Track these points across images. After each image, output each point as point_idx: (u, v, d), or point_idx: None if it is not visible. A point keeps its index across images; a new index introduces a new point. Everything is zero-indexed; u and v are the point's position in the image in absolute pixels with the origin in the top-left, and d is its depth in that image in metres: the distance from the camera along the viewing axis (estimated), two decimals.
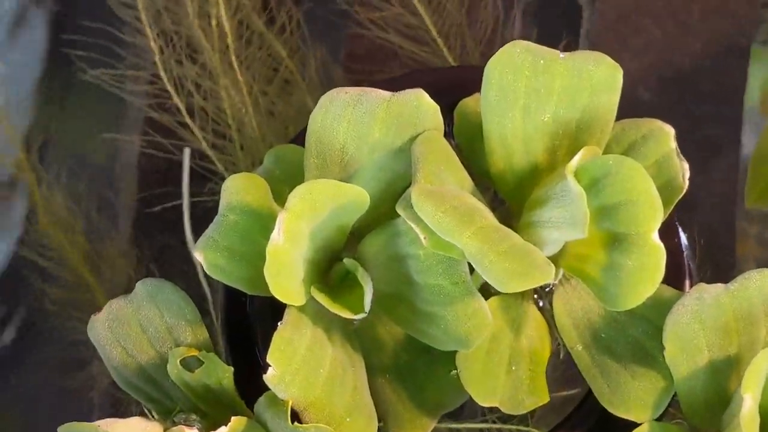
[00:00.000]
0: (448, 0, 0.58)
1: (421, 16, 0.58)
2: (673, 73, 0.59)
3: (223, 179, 0.55)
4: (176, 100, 0.56)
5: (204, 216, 0.56)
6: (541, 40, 0.56)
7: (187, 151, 0.57)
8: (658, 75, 0.59)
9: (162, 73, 0.56)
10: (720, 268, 0.45)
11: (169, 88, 0.57)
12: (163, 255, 0.58)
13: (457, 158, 0.42)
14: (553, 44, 0.55)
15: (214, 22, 0.57)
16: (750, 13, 0.59)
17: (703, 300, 0.40)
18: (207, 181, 0.57)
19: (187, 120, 0.56)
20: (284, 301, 0.41)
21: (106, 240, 0.60)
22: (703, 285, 0.41)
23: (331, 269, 0.43)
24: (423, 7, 0.58)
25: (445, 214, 0.38)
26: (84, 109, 0.62)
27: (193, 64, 0.57)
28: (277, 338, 0.40)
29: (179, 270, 0.48)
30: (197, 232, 0.55)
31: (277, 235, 0.39)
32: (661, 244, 0.39)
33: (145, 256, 0.59)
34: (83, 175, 0.62)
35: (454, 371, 0.43)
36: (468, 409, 0.51)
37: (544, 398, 0.42)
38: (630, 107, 0.44)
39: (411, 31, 0.58)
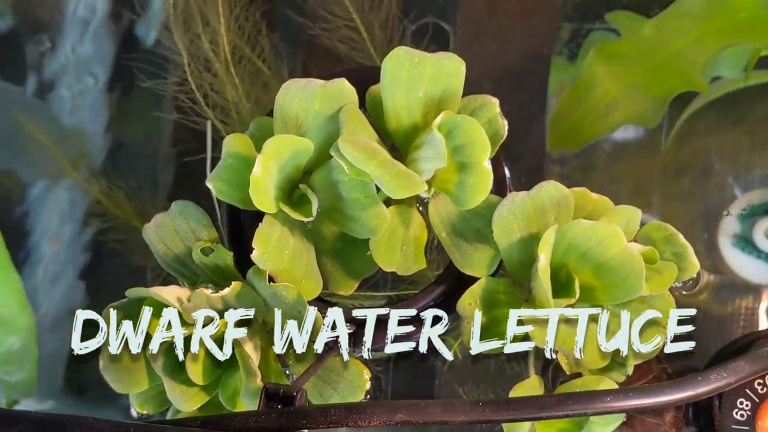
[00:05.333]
0: (376, 25, 0.59)
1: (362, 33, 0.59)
2: (504, 73, 0.60)
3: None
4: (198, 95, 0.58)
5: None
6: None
7: (209, 123, 0.58)
8: (495, 74, 0.60)
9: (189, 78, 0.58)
10: None
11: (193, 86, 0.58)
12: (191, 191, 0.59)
13: (367, 121, 0.45)
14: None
15: (220, 48, 0.59)
16: (549, 33, 0.61)
17: (515, 201, 0.43)
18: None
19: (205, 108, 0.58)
20: (263, 210, 0.43)
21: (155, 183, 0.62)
22: (515, 192, 0.43)
23: (293, 193, 0.45)
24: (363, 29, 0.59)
25: (358, 152, 0.41)
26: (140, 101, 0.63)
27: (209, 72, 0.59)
28: (258, 232, 0.43)
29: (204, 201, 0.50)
30: None
31: (256, 169, 0.42)
32: (490, 169, 0.42)
33: (180, 191, 0.61)
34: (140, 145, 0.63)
35: (369, 252, 0.45)
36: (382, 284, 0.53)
37: (423, 265, 0.45)
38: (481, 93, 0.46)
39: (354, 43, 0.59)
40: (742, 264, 0.57)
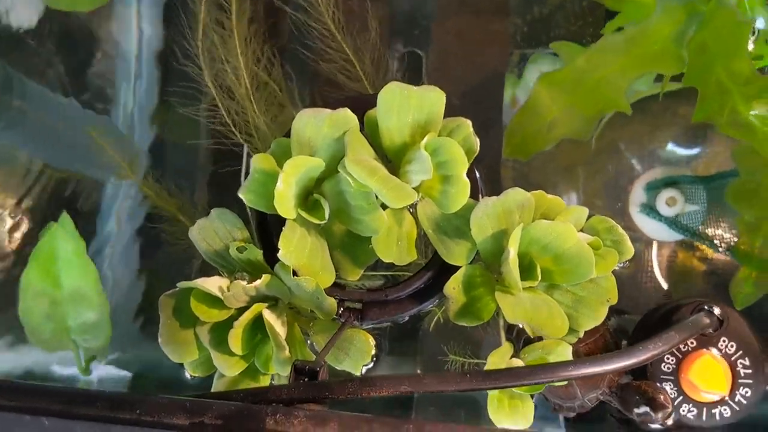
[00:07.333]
0: (366, 56, 0.55)
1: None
2: (468, 89, 0.56)
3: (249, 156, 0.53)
4: (226, 117, 0.53)
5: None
6: (405, 76, 0.54)
7: (246, 147, 0.53)
8: (460, 91, 0.56)
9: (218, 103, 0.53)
10: (495, 190, 0.44)
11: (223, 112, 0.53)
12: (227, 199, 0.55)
13: (366, 142, 0.40)
14: (411, 77, 0.54)
15: (242, 79, 0.54)
16: (503, 58, 0.57)
17: (487, 204, 0.39)
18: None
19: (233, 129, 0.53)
20: (285, 216, 0.39)
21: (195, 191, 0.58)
22: (487, 198, 0.40)
23: (308, 198, 0.42)
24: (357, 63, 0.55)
25: (361, 170, 0.37)
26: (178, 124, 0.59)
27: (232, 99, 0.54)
28: (283, 235, 0.39)
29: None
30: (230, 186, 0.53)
31: (279, 184, 0.38)
32: (467, 180, 0.38)
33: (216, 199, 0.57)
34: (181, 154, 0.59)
35: (371, 246, 0.41)
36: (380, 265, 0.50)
37: (414, 257, 0.41)
38: (449, 107, 0.42)
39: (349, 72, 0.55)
40: (647, 225, 0.55)
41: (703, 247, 0.54)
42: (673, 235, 0.54)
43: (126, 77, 0.60)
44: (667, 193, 0.54)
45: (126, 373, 0.55)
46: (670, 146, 0.56)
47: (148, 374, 0.54)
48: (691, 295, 0.52)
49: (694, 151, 0.55)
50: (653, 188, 0.55)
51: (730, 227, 0.53)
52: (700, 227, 0.53)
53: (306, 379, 0.35)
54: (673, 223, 0.54)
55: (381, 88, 0.40)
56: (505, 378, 0.33)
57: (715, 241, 0.53)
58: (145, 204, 0.59)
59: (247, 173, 0.45)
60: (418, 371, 0.54)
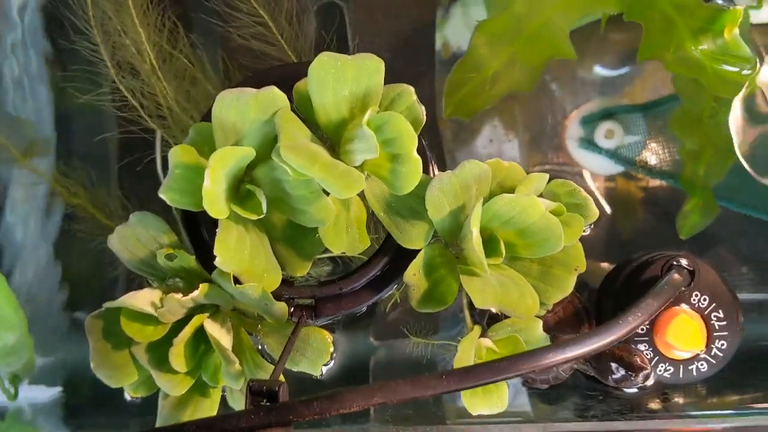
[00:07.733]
0: (282, 14, 0.49)
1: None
2: (387, 42, 0.52)
3: (167, 144, 0.47)
4: (132, 100, 0.46)
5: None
6: (328, 34, 0.49)
7: (158, 133, 0.47)
8: (392, 45, 0.52)
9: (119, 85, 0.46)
10: (437, 148, 0.40)
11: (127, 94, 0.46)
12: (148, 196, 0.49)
13: (301, 122, 0.36)
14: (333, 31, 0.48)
15: (144, 54, 0.47)
16: (431, 1, 0.52)
17: (443, 181, 0.36)
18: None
19: (141, 112, 0.46)
20: (217, 218, 0.35)
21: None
22: (441, 173, 0.36)
23: (240, 188, 0.37)
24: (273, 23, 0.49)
25: (300, 159, 0.33)
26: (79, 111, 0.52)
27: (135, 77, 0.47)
28: (218, 240, 0.35)
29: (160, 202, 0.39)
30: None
31: (206, 183, 0.33)
32: (418, 157, 0.34)
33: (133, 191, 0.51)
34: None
35: (317, 235, 0.37)
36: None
37: (367, 243, 0.38)
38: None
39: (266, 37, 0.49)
40: (589, 160, 0.53)
41: (645, 177, 0.53)
42: (615, 168, 0.53)
43: (8, 57, 0.52)
44: (605, 126, 0.53)
45: (56, 391, 0.50)
46: (601, 71, 0.54)
47: (81, 388, 0.49)
48: (636, 228, 0.51)
49: (624, 70, 0.53)
50: (590, 121, 0.54)
51: (671, 155, 0.52)
52: (639, 157, 0.52)
53: (264, 401, 0.31)
54: (613, 155, 0.53)
55: (302, 51, 0.35)
56: (485, 374, 0.31)
57: (657, 170, 0.52)
58: (55, 200, 0.52)
59: (164, 164, 0.39)
60: (371, 339, 0.51)
